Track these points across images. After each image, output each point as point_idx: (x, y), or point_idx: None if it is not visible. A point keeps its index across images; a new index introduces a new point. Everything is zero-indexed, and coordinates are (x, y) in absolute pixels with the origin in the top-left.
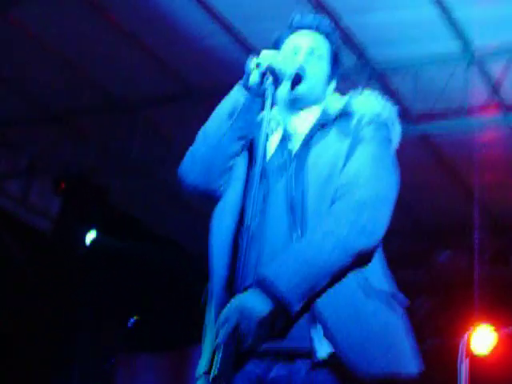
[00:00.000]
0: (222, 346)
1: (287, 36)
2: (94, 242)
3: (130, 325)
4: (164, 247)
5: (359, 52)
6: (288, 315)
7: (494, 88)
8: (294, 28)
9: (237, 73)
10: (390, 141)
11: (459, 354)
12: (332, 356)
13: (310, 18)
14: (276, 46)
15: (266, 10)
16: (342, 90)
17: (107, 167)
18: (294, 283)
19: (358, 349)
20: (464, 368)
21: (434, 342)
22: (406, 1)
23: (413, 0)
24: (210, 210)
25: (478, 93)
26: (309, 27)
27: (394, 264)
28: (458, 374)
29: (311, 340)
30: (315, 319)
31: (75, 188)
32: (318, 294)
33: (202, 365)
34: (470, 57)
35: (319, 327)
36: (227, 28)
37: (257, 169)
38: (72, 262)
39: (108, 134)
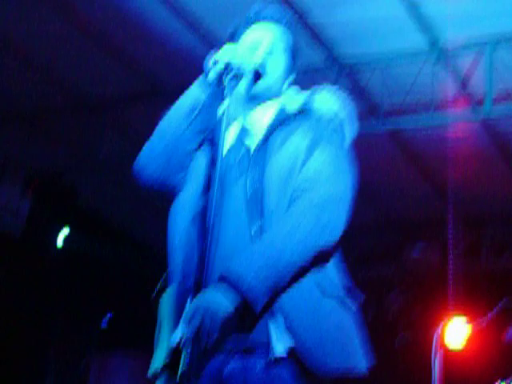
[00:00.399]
0: (189, 343)
1: (245, 28)
2: (65, 241)
3: (103, 324)
4: (133, 246)
5: (327, 49)
6: (253, 311)
7: (463, 82)
8: (252, 20)
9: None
10: (346, 139)
11: (433, 347)
12: (289, 351)
13: (269, 9)
14: (233, 38)
15: (235, 8)
16: (309, 86)
17: (76, 167)
18: (259, 279)
19: (315, 345)
20: (438, 361)
21: (408, 336)
22: None
23: None
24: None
25: (447, 87)
26: (268, 19)
27: (367, 259)
28: (432, 367)
29: (268, 334)
30: (274, 314)
31: (45, 188)
32: (281, 291)
33: (159, 361)
34: (438, 52)
35: (279, 321)
36: (194, 27)
37: (217, 166)
38: (43, 262)
39: (77, 134)
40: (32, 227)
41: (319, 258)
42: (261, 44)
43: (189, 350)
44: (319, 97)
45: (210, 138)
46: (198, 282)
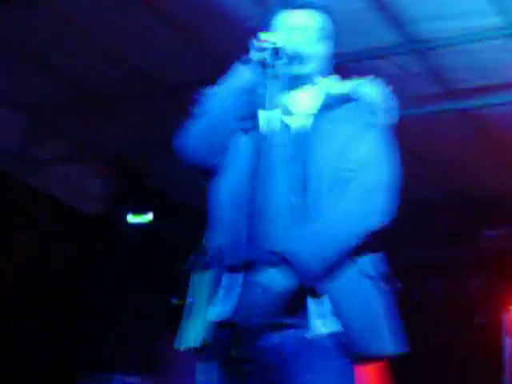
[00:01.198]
0: (240, 318)
1: (280, 13)
2: (136, 222)
3: (174, 298)
4: (202, 223)
5: (402, 27)
6: (312, 291)
7: None
8: (292, 4)
9: None
10: (388, 128)
11: (503, 330)
12: (330, 333)
13: None
14: (268, 23)
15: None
16: (381, 64)
17: (148, 150)
18: (318, 260)
19: (357, 327)
20: (508, 345)
21: (483, 318)
22: None
23: None
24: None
25: None
26: (302, 5)
27: (441, 240)
28: (503, 351)
29: (310, 315)
30: (317, 295)
31: (115, 171)
32: (333, 272)
33: (195, 336)
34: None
35: (324, 303)
36: None
37: (260, 146)
38: (115, 238)
39: (148, 118)
40: (104, 205)
41: (367, 241)
42: (303, 28)
43: (238, 326)
44: (363, 85)
45: (252, 117)
46: (243, 260)
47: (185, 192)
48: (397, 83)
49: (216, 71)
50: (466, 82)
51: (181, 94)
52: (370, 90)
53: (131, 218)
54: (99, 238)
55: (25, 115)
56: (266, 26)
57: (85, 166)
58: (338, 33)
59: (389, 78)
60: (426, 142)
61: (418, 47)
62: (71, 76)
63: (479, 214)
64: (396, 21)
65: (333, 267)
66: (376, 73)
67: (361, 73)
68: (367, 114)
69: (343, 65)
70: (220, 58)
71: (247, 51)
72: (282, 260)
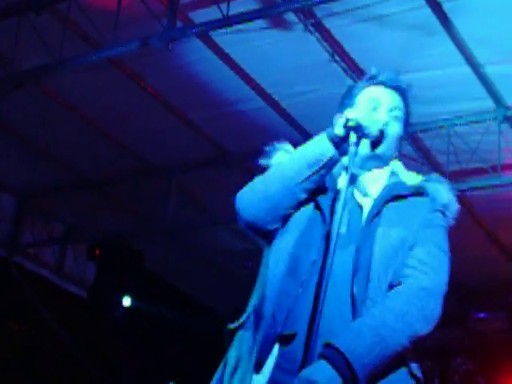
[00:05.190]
0: None
1: (362, 89)
2: (130, 306)
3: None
4: (199, 312)
5: None
6: None
7: None
8: (372, 82)
9: (269, 137)
10: (448, 230)
11: None
12: None
13: (391, 75)
14: (349, 98)
15: (298, 74)
16: None
17: (142, 233)
18: (366, 362)
19: None
20: None
21: None
22: (437, 60)
23: (443, 59)
24: (243, 274)
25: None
26: (387, 84)
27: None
28: None
29: None
30: None
31: (110, 254)
32: (382, 371)
33: None
34: (504, 111)
35: None
36: (260, 92)
37: (333, 232)
38: (109, 326)
39: (142, 200)
40: (98, 292)
41: (416, 344)
42: (381, 106)
43: None
44: (433, 184)
45: (324, 192)
46: (305, 338)
47: (179, 276)
48: None
49: (212, 154)
50: (457, 164)
51: (175, 176)
52: (441, 189)
53: (127, 302)
54: (94, 321)
55: (16, 198)
56: (350, 102)
57: (79, 250)
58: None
59: None
60: None
61: (408, 130)
62: (64, 159)
63: (468, 297)
64: None
65: (378, 370)
66: None
67: None
68: (437, 213)
69: None
70: (216, 142)
71: (331, 124)
72: (328, 354)
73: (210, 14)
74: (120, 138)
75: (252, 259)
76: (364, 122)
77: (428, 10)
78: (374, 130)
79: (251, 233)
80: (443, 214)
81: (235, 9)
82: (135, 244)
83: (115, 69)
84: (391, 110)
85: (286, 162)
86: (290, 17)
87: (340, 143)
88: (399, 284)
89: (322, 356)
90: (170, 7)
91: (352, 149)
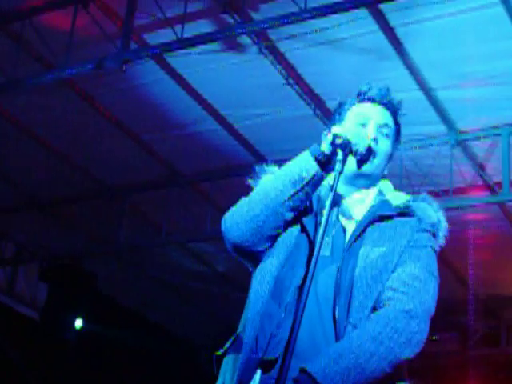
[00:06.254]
0: None
1: (352, 105)
2: (82, 328)
3: None
4: (152, 333)
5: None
6: None
7: (481, 166)
8: (361, 98)
9: (222, 158)
10: (436, 253)
11: None
12: None
13: (381, 91)
14: (339, 114)
15: (252, 97)
16: None
17: (94, 253)
18: (345, 381)
19: None
20: None
21: None
22: (390, 84)
23: (396, 83)
24: (198, 294)
25: (465, 171)
26: (377, 100)
27: None
28: None
29: None
30: None
31: (62, 275)
32: None
33: None
34: (456, 136)
35: None
36: (214, 114)
37: (314, 256)
38: (61, 349)
39: (95, 221)
40: (50, 313)
41: (395, 371)
42: (370, 123)
43: None
44: (419, 203)
45: (309, 211)
46: (275, 357)
47: (133, 297)
48: None
49: (164, 174)
50: (410, 187)
51: (128, 196)
52: (428, 208)
53: (79, 324)
54: (45, 343)
55: None
56: (340, 118)
57: (31, 270)
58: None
59: None
60: None
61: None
62: (16, 179)
63: None
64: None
65: None
66: None
67: None
68: (424, 233)
69: None
70: (168, 162)
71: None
72: (301, 380)
73: (165, 35)
74: (73, 159)
75: (205, 280)
76: (351, 139)
77: (381, 35)
78: (361, 147)
79: (239, 255)
80: (433, 234)
81: (189, 31)
82: (88, 265)
83: (68, 89)
84: (380, 127)
85: (270, 181)
86: (244, 40)
87: (325, 161)
88: (381, 307)
89: (295, 381)
90: (124, 29)
91: (338, 166)
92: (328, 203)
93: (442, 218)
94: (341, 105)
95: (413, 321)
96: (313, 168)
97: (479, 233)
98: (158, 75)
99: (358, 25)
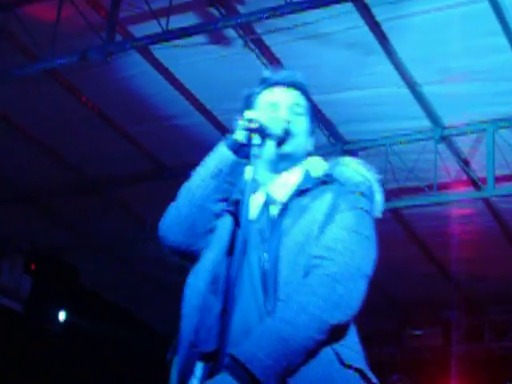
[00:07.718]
0: None
1: (260, 93)
2: (65, 320)
3: None
4: (135, 327)
5: (332, 126)
6: None
7: (465, 161)
8: (267, 84)
9: (207, 152)
10: (368, 212)
11: None
12: None
13: (285, 73)
14: (248, 103)
15: (237, 90)
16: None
17: (78, 247)
18: (268, 365)
19: None
20: None
21: None
22: (375, 79)
23: (381, 78)
24: (181, 292)
25: (449, 166)
26: (283, 83)
27: (369, 339)
28: None
29: None
30: None
31: (46, 267)
32: (297, 367)
33: None
34: (441, 131)
35: None
36: (199, 107)
37: (240, 233)
38: (45, 340)
39: (79, 214)
40: (33, 306)
41: (331, 336)
42: (281, 106)
43: None
44: (340, 167)
45: (235, 200)
46: (213, 349)
47: (116, 290)
48: None
49: (149, 167)
50: (395, 182)
51: (112, 190)
52: (348, 170)
53: (62, 316)
54: (29, 335)
55: None
56: (250, 105)
57: (15, 262)
58: None
59: None
60: None
61: (348, 148)
62: (1, 172)
63: (403, 313)
64: (327, 122)
65: (291, 367)
66: None
67: None
68: (349, 195)
69: None
70: (153, 155)
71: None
72: (233, 361)
73: (150, 28)
74: (57, 151)
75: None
76: (266, 123)
77: (366, 29)
78: (277, 130)
79: (181, 258)
80: (362, 194)
81: (175, 23)
82: (72, 258)
83: (53, 81)
84: (291, 107)
85: (191, 180)
86: (230, 32)
87: (241, 148)
88: (305, 276)
89: (224, 368)
90: (109, 20)
91: (255, 151)
92: (247, 188)
93: (372, 177)
94: (248, 96)
95: (338, 284)
96: (229, 158)
97: (463, 228)
98: (143, 67)
99: (343, 19)
